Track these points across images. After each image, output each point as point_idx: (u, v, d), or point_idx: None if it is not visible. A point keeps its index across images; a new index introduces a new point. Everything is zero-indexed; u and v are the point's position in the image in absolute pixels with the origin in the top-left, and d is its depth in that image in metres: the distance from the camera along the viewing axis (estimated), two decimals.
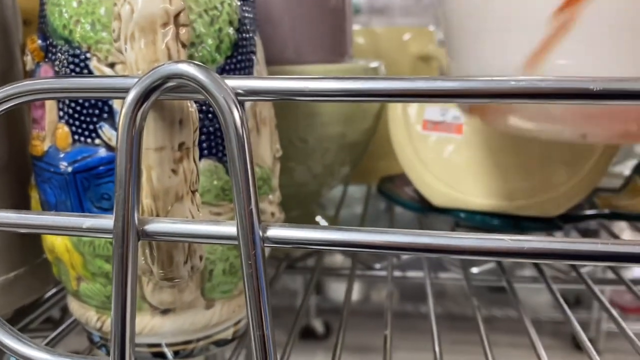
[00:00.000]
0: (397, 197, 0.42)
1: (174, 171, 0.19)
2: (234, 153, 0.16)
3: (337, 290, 1.61)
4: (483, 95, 0.15)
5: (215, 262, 0.24)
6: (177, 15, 0.18)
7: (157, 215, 0.19)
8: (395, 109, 0.39)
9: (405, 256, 0.43)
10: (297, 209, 0.39)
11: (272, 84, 0.16)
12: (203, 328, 0.25)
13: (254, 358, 0.17)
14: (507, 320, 1.26)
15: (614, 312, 0.31)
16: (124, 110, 0.16)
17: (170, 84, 0.16)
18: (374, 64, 0.38)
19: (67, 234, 0.21)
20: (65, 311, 0.35)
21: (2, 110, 0.18)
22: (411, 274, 0.43)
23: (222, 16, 0.23)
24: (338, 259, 0.77)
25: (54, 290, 0.35)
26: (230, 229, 0.17)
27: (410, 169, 0.38)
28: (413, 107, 0.39)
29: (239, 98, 0.16)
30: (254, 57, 0.25)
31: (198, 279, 0.24)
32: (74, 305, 0.26)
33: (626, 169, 0.52)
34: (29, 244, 0.29)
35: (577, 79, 0.15)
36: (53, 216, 0.18)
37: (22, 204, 0.28)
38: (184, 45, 0.19)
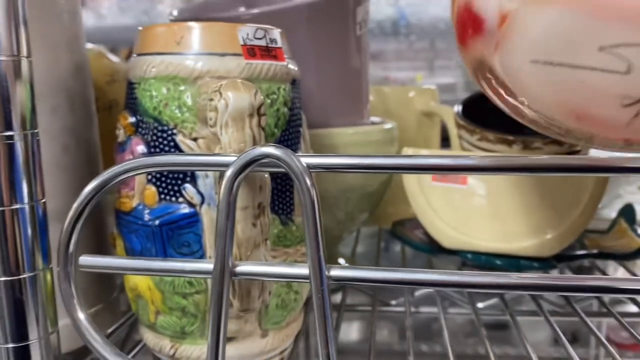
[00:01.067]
0: (409, 240, 0.48)
1: (254, 224, 0.24)
2: (308, 211, 0.21)
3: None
4: (494, 169, 0.21)
5: (270, 298, 0.29)
6: (259, 107, 0.24)
7: (240, 260, 0.24)
8: None
9: (418, 293, 0.47)
10: None
11: (335, 161, 0.22)
12: (258, 354, 0.30)
13: None
14: (505, 357, 1.29)
15: (610, 347, 0.34)
16: (224, 181, 0.22)
17: (261, 161, 0.21)
18: (388, 125, 0.43)
19: (173, 276, 0.26)
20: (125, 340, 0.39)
21: (122, 179, 0.23)
22: (425, 309, 0.47)
23: (279, 99, 0.28)
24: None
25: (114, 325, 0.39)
26: (303, 270, 0.22)
27: (422, 216, 0.44)
28: None
29: (311, 170, 0.22)
30: (300, 130, 0.30)
31: (257, 311, 0.29)
32: (148, 335, 0.31)
33: (612, 211, 0.58)
34: (105, 284, 0.33)
35: (575, 158, 0.21)
36: (162, 262, 0.23)
37: (99, 249, 0.33)
38: (262, 129, 0.24)
